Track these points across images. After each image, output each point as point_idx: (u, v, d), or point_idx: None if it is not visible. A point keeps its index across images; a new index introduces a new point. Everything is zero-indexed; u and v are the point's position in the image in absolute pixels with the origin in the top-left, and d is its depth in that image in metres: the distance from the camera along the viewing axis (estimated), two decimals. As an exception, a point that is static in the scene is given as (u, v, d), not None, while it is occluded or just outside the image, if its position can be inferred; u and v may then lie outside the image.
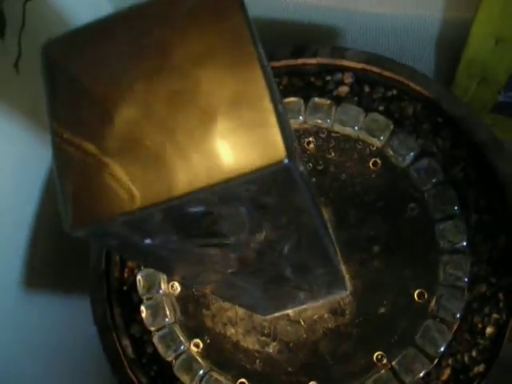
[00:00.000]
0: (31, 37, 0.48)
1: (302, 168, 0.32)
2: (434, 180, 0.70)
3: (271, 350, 0.69)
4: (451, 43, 0.77)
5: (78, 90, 0.31)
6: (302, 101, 0.75)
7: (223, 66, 0.30)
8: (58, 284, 0.89)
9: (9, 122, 0.70)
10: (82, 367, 0.95)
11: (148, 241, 0.32)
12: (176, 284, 0.73)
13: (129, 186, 0.29)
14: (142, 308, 0.71)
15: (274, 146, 0.29)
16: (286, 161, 0.29)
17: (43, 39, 0.32)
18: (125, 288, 0.75)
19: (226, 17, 0.30)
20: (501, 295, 0.66)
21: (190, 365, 0.69)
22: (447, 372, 0.66)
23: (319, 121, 0.74)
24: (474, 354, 0.65)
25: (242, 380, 0.68)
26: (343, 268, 0.68)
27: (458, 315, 0.66)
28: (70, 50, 0.33)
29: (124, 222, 0.29)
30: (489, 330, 0.66)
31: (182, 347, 0.69)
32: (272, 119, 0.28)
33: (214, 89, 0.30)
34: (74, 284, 0.90)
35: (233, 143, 0.29)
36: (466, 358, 0.66)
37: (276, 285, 0.53)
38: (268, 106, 0.29)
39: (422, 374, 0.65)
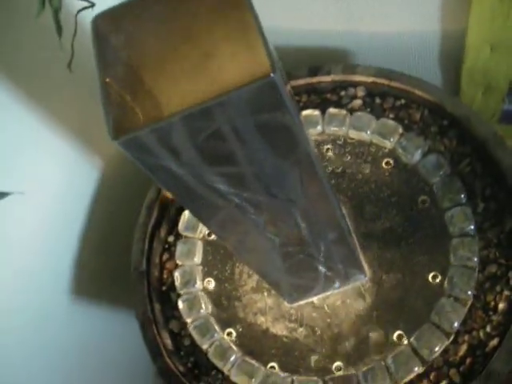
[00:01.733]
0: (82, 41, 0.58)
1: (288, 89, 0.40)
2: (441, 173, 0.76)
3: (298, 335, 0.74)
4: (453, 55, 0.85)
5: (117, 52, 0.41)
6: (319, 112, 0.83)
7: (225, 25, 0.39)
8: (103, 299, 0.96)
9: (60, 138, 0.80)
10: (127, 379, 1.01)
11: (175, 162, 0.40)
12: (211, 279, 0.80)
13: (152, 104, 0.38)
14: (179, 301, 0.78)
15: (261, 66, 0.37)
16: (272, 75, 0.37)
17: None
18: (164, 288, 0.82)
19: None
20: (511, 274, 0.71)
21: (223, 351, 0.74)
22: (464, 348, 0.70)
23: (336, 128, 0.82)
24: (488, 329, 0.70)
25: (272, 364, 0.73)
26: (362, 257, 0.74)
27: (470, 293, 0.70)
28: (112, 22, 0.43)
29: (152, 130, 0.37)
30: (501, 305, 0.70)
31: (216, 335, 0.75)
32: (260, 48, 0.37)
33: (215, 37, 0.39)
34: (118, 299, 0.97)
35: (229, 67, 0.37)
36: (481, 334, 0.70)
37: (292, 249, 0.59)
38: (256, 37, 0.37)
39: (439, 350, 0.69)
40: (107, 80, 0.40)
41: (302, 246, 0.60)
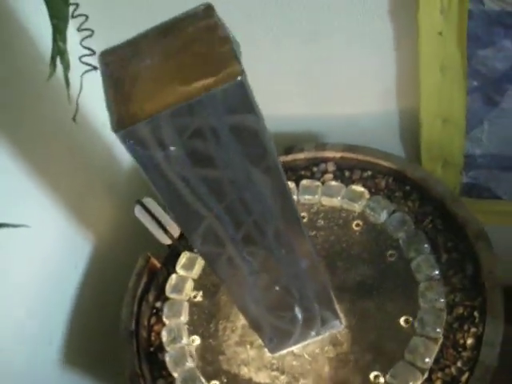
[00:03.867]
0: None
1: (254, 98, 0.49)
2: (406, 228, 0.84)
3: (281, 382, 0.78)
4: (411, 130, 0.96)
5: (117, 73, 0.50)
6: (294, 184, 0.92)
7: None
8: (93, 367, 0.99)
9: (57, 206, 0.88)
10: None
11: (165, 159, 0.48)
12: (196, 337, 0.84)
13: (146, 106, 0.47)
14: (166, 356, 0.81)
15: (232, 72, 0.46)
16: (240, 78, 0.46)
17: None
18: (152, 349, 0.86)
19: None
20: (476, 313, 0.77)
21: (209, 402, 0.77)
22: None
23: (309, 197, 0.91)
24: (459, 364, 0.74)
25: (257, 411, 0.76)
26: (337, 307, 0.79)
27: (439, 330, 0.75)
28: (114, 53, 0.53)
29: (145, 123, 0.45)
30: (469, 341, 0.75)
31: (202, 386, 0.79)
32: (233, 60, 0.47)
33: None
34: (107, 367, 1.00)
35: (207, 75, 0.47)
36: (453, 370, 0.74)
37: (268, 278, 0.65)
38: (230, 53, 0.47)
39: (415, 386, 0.73)
40: (110, 91, 0.49)
41: (277, 273, 0.66)
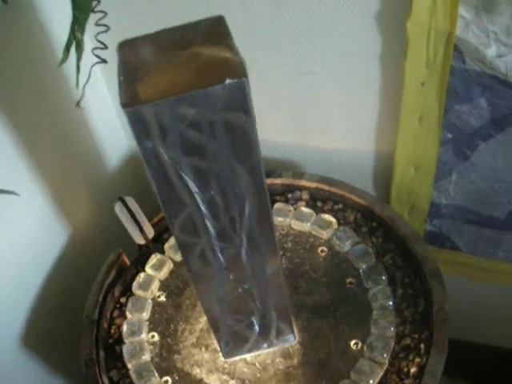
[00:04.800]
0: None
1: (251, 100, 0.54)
2: (367, 260, 0.89)
3: (229, 387, 0.81)
4: (384, 172, 1.02)
5: (131, 64, 0.55)
6: (268, 206, 0.97)
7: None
8: (52, 354, 1.01)
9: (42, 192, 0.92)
10: None
11: (162, 143, 0.53)
12: (155, 333, 0.87)
13: (153, 92, 0.52)
14: (124, 347, 0.84)
15: (237, 72, 0.52)
16: (243, 78, 0.51)
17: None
18: (110, 341, 0.88)
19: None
20: (422, 345, 0.81)
21: (158, 396, 0.80)
22: (379, 407, 0.77)
23: (281, 219, 0.96)
24: (400, 391, 0.78)
25: (203, 410, 0.79)
26: (294, 323, 0.83)
27: (386, 356, 0.79)
28: (130, 44, 0.58)
29: (151, 106, 0.50)
30: (413, 370, 0.79)
31: (153, 380, 0.81)
32: (238, 62, 0.52)
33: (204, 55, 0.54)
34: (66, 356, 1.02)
35: (213, 72, 0.52)
36: (394, 396, 0.78)
37: (235, 277, 0.70)
38: (236, 56, 0.52)
39: (356, 406, 0.77)
40: (121, 78, 0.54)
41: (244, 274, 0.70)
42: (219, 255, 0.67)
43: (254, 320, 0.77)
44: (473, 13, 0.77)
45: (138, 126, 0.52)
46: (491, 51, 0.80)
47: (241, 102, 0.53)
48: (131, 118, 0.52)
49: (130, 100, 0.51)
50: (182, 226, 0.63)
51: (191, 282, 0.70)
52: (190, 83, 0.52)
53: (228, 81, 0.51)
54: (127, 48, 0.58)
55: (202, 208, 0.61)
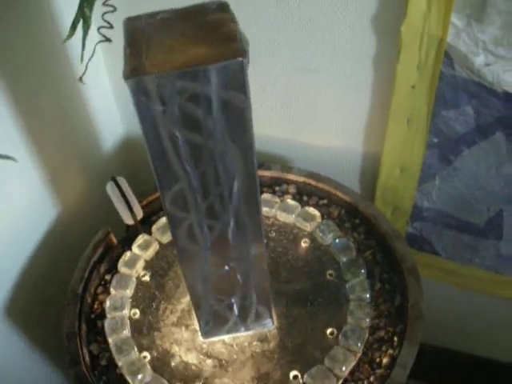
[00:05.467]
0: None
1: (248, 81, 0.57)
2: (348, 253, 0.92)
3: (206, 365, 0.83)
4: (370, 172, 1.05)
5: (136, 38, 0.58)
6: (255, 196, 0.99)
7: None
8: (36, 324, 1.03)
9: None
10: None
11: (161, 114, 0.55)
12: (137, 311, 0.89)
13: (157, 64, 0.54)
14: (106, 322, 0.86)
15: (236, 53, 0.54)
16: (241, 59, 0.54)
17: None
18: (92, 316, 0.90)
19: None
20: (395, 338, 0.84)
21: (137, 369, 0.82)
22: (349, 393, 0.80)
23: (267, 209, 0.98)
24: (372, 379, 0.81)
25: (179, 386, 0.81)
26: (273, 309, 0.86)
27: (360, 345, 0.82)
28: (135, 20, 0.61)
29: (153, 77, 0.53)
30: (385, 361, 0.82)
31: (133, 354, 0.83)
32: (238, 44, 0.55)
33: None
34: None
35: (215, 51, 0.55)
36: (365, 383, 0.81)
37: (220, 256, 0.72)
38: (236, 38, 0.55)
39: (328, 391, 0.79)
40: (128, 47, 0.57)
41: (228, 253, 0.72)
42: (206, 232, 0.69)
43: (235, 301, 0.80)
44: (464, 21, 0.81)
45: (140, 97, 0.55)
46: (479, 60, 0.83)
47: (239, 82, 0.55)
48: (133, 89, 0.54)
49: (134, 71, 0.54)
50: (173, 200, 0.65)
51: (177, 258, 0.73)
52: (191, 59, 0.54)
53: (228, 60, 0.54)
54: (133, 23, 0.60)
55: (194, 182, 0.63)
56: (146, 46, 0.57)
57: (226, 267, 0.75)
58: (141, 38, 0.58)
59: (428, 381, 1.41)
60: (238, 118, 0.58)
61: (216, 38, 0.57)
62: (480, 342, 1.33)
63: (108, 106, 1.13)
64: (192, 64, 0.54)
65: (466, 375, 1.40)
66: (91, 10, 0.70)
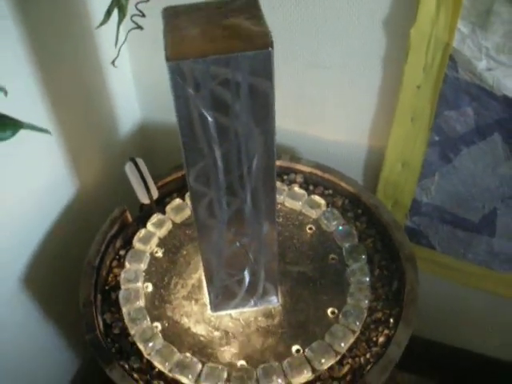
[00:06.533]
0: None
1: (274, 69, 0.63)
2: (350, 239, 0.98)
3: (214, 337, 0.89)
4: (374, 165, 1.11)
5: (175, 26, 0.64)
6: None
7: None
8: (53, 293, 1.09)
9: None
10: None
11: (194, 94, 0.61)
12: (149, 284, 0.95)
13: (195, 50, 0.60)
14: (120, 292, 0.92)
15: (265, 43, 0.60)
16: (270, 49, 0.60)
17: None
18: (107, 287, 0.96)
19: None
20: (391, 319, 0.90)
21: (148, 337, 0.87)
22: (347, 368, 0.86)
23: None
24: (368, 356, 0.86)
25: (188, 354, 0.87)
26: (279, 288, 0.92)
27: (358, 324, 0.88)
28: (175, 11, 0.67)
29: (191, 62, 0.58)
30: (381, 339, 0.88)
31: (145, 323, 0.89)
32: (266, 35, 0.61)
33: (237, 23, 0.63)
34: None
35: (246, 41, 0.61)
36: (362, 360, 0.86)
37: (235, 231, 0.78)
38: (265, 29, 0.61)
39: (327, 364, 0.85)
40: (168, 34, 0.63)
41: (243, 229, 0.78)
42: (225, 208, 0.75)
43: (245, 276, 0.85)
44: (469, 28, 0.87)
45: (177, 79, 0.61)
46: (482, 64, 0.89)
47: (266, 70, 0.61)
48: (172, 71, 0.60)
49: (173, 55, 0.59)
50: (197, 176, 0.71)
51: (196, 231, 0.78)
52: (224, 47, 0.60)
53: (258, 50, 0.60)
54: (171, 12, 0.66)
55: (217, 161, 0.69)
56: (184, 31, 0.63)
57: (240, 242, 0.80)
58: (178, 26, 0.64)
59: (419, 374, 1.47)
60: (263, 102, 0.64)
61: (246, 30, 0.62)
62: (471, 336, 1.39)
63: (127, 92, 1.19)
64: (225, 51, 0.60)
65: (456, 369, 1.46)
66: (127, -1, 0.75)
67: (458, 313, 1.33)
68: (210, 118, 0.65)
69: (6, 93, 0.63)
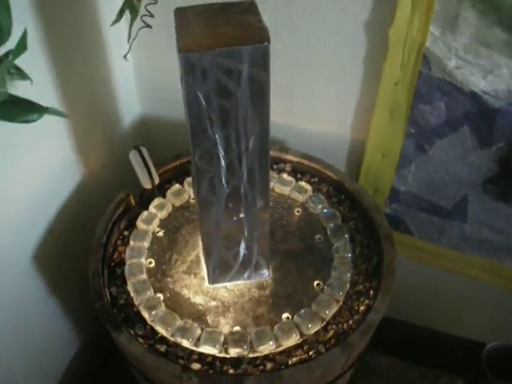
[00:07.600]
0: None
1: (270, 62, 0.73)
2: (334, 221, 1.08)
3: (211, 306, 0.98)
4: (356, 156, 1.22)
5: (185, 23, 0.74)
6: (256, 171, 1.15)
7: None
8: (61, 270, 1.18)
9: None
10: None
11: (202, 83, 0.71)
12: (152, 260, 1.04)
13: (202, 44, 0.70)
14: (126, 267, 1.01)
15: (262, 38, 0.70)
16: (266, 43, 0.70)
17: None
18: (112, 264, 1.05)
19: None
20: (371, 291, 1.00)
21: (152, 306, 0.97)
22: (331, 333, 0.95)
23: (266, 182, 1.14)
24: (350, 323, 0.96)
25: (188, 320, 0.96)
26: (270, 263, 1.02)
27: (342, 294, 0.98)
28: (185, 11, 0.77)
29: (199, 54, 0.68)
30: (361, 308, 0.98)
31: (149, 293, 0.98)
32: (264, 31, 0.71)
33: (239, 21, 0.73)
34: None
35: (246, 37, 0.71)
36: (345, 326, 0.96)
37: (233, 207, 0.88)
38: (262, 26, 0.71)
39: (314, 329, 0.95)
40: (180, 30, 0.73)
41: (240, 205, 0.88)
42: (224, 185, 0.85)
43: (240, 250, 0.95)
44: (440, 30, 0.97)
45: (187, 68, 0.70)
46: (451, 63, 1.00)
47: (263, 61, 0.71)
48: (183, 62, 0.70)
49: (184, 49, 0.69)
50: (201, 155, 0.80)
51: (197, 206, 0.88)
52: (228, 41, 0.70)
53: (257, 44, 0.70)
54: (181, 12, 0.76)
55: (219, 141, 0.79)
56: (193, 28, 0.73)
57: (237, 217, 0.90)
58: (188, 23, 0.74)
59: (397, 357, 1.56)
60: (260, 89, 0.74)
61: (247, 27, 0.73)
62: (443, 317, 1.50)
63: (128, 86, 1.29)
64: (229, 45, 0.70)
65: (427, 349, 1.56)
66: (140, 0, 0.85)
67: (434, 295, 1.43)
68: (214, 102, 0.74)
69: (31, 81, 0.73)
